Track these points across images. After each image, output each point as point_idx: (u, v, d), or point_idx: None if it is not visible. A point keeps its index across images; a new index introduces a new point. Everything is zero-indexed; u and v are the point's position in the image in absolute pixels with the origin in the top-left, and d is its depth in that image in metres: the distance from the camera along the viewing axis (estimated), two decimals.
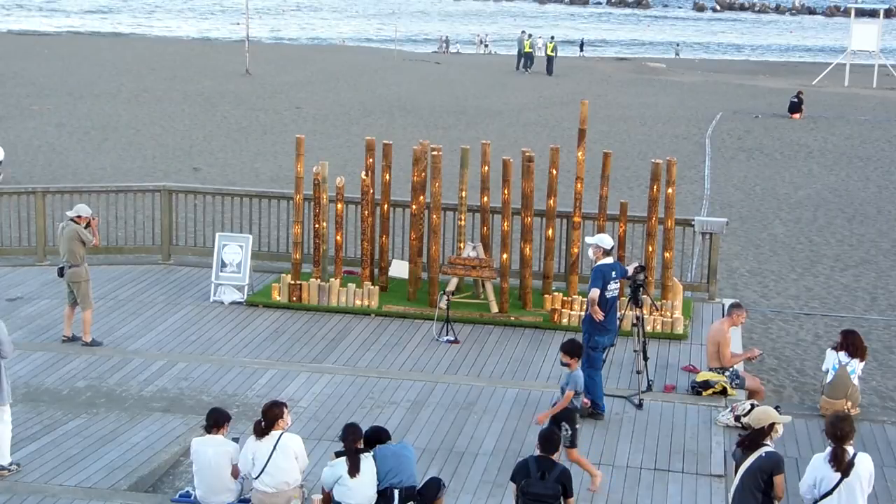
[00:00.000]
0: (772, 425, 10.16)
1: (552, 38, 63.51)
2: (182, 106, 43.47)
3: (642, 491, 12.33)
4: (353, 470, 10.74)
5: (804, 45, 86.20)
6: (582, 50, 78.96)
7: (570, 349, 12.39)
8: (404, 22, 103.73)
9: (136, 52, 61.85)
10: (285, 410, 11.13)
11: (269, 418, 11.01)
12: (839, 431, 9.86)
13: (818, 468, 9.94)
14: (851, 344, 14.23)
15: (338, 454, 10.96)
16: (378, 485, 10.87)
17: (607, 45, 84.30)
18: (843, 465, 9.77)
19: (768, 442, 10.11)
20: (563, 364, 12.41)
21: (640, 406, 14.44)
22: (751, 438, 10.14)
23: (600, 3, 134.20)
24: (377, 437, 11.18)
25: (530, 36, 62.75)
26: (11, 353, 12.55)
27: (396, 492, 10.87)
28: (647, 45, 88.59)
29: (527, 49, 60.63)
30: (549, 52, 59.74)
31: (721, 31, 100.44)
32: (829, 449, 9.91)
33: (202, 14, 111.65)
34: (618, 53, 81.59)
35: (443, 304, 16.96)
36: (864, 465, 9.88)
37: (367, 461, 10.84)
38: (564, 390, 12.23)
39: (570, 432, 12.09)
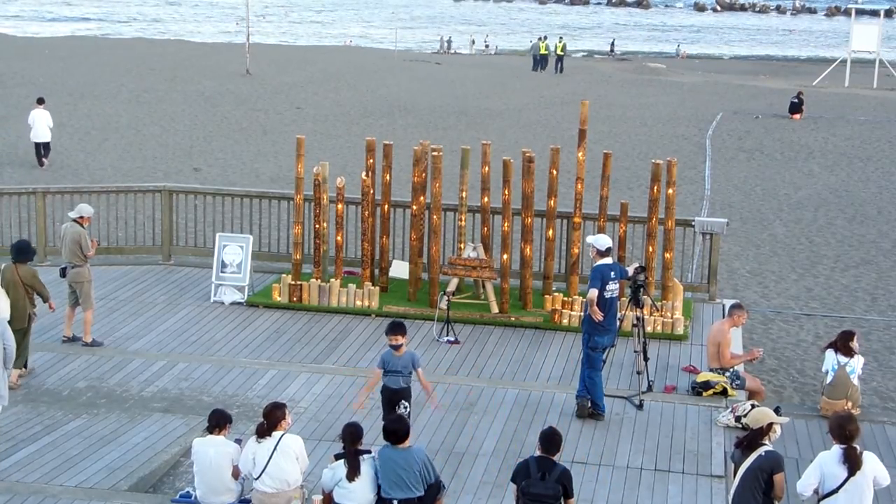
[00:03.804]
0: (770, 426, 10.18)
1: (560, 38, 67.30)
2: (182, 106, 43.46)
3: (642, 491, 12.33)
4: (353, 473, 10.68)
5: (804, 54, 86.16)
6: (612, 51, 79.86)
7: (399, 329, 12.32)
8: (404, 24, 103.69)
9: (137, 52, 61.83)
10: (287, 412, 11.15)
11: (271, 420, 11.00)
12: (847, 432, 9.88)
13: (824, 466, 9.94)
14: (839, 340, 14.32)
15: (337, 456, 10.92)
16: (379, 489, 10.72)
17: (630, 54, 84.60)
18: (858, 465, 9.80)
19: (767, 442, 10.13)
20: (394, 347, 12.28)
21: (640, 407, 14.44)
22: (749, 439, 10.16)
23: (601, 4, 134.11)
24: (396, 431, 10.78)
25: (545, 38, 66.75)
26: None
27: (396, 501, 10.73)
28: (652, 49, 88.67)
29: (542, 51, 64.01)
30: (558, 52, 63.11)
31: (722, 42, 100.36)
32: (837, 449, 9.91)
33: (202, 17, 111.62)
34: (619, 54, 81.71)
35: (443, 304, 16.97)
36: (871, 463, 9.92)
37: (367, 464, 10.79)
38: (403, 372, 12.25)
39: (409, 409, 12.28)
